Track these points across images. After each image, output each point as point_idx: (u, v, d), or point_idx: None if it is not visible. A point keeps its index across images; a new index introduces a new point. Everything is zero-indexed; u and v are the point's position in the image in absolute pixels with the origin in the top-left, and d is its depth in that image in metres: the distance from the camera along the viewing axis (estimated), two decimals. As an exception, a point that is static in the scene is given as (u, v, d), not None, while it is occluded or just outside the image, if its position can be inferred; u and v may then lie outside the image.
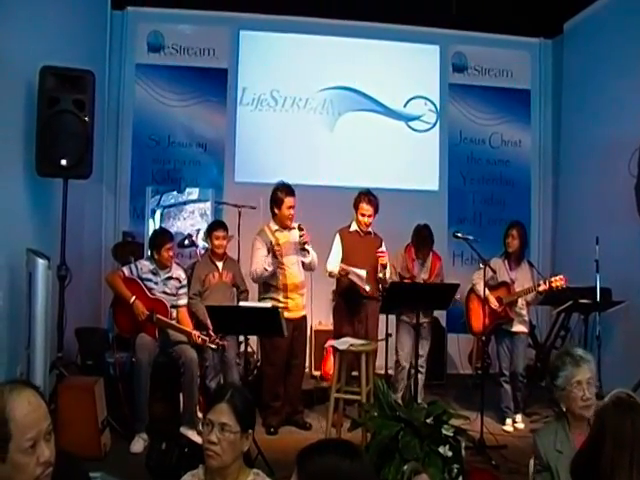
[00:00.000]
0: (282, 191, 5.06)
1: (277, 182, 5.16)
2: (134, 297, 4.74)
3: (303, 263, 5.15)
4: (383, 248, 5.27)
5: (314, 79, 7.42)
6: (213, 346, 4.73)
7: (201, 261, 5.51)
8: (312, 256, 5.13)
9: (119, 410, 4.65)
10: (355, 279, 5.12)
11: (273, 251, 4.98)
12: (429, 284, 5.25)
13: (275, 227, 5.11)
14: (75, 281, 4.76)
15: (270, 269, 4.95)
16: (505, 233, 5.38)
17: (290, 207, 5.06)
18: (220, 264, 5.32)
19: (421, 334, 5.19)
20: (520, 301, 5.27)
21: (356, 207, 5.30)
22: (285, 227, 5.12)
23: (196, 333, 4.74)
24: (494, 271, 5.14)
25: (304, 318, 5.30)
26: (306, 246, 5.00)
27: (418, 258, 5.39)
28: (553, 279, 5.00)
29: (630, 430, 1.75)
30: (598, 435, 1.81)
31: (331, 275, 5.30)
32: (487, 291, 5.18)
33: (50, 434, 1.68)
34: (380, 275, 5.21)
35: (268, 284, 5.10)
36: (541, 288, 5.04)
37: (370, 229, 5.36)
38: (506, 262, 5.37)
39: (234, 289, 5.41)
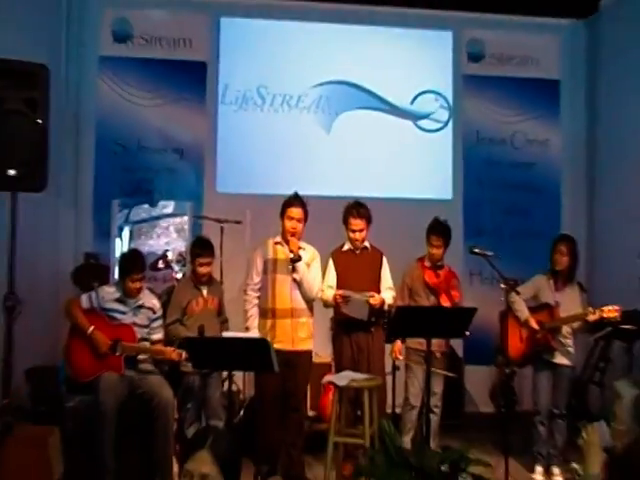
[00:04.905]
0: (287, 200, 5.15)
1: None
2: (92, 327, 4.71)
3: (298, 284, 5.11)
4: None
5: (307, 73, 7.40)
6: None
7: (182, 283, 5.48)
8: (302, 273, 5.08)
9: (78, 465, 4.55)
10: (353, 313, 5.08)
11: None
12: (441, 308, 5.18)
13: (278, 239, 5.17)
14: (26, 313, 4.60)
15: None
16: (552, 248, 5.35)
17: (291, 219, 5.08)
18: (204, 289, 5.30)
19: (434, 367, 5.08)
20: (565, 328, 5.25)
21: (345, 223, 5.32)
22: (288, 242, 5.12)
23: (171, 349, 4.74)
24: (518, 293, 5.13)
25: (305, 354, 5.20)
26: (295, 260, 5.00)
27: (432, 249, 5.33)
28: (606, 309, 4.95)
29: None
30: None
31: (326, 304, 5.28)
32: (527, 312, 5.23)
33: None
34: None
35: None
36: (591, 318, 5.01)
37: (366, 244, 5.36)
38: (551, 281, 5.34)
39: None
